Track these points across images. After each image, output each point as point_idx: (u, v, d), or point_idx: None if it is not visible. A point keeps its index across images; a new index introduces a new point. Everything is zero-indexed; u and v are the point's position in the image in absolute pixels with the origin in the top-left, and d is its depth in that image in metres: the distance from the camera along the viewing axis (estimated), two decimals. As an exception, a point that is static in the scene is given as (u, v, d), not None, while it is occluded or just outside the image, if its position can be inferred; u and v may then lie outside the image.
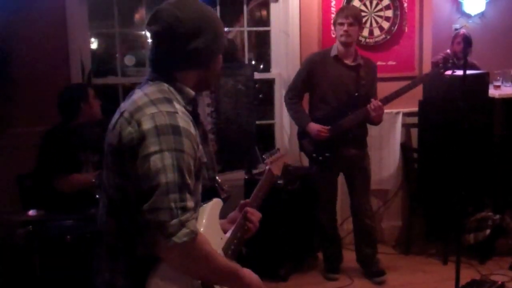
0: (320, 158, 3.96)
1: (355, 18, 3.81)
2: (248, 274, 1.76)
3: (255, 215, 1.98)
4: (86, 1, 4.26)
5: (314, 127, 3.91)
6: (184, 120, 1.58)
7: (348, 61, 3.92)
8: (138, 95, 1.65)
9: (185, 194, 1.52)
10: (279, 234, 4.10)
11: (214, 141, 4.34)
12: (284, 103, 4.20)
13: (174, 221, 1.48)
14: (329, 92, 3.92)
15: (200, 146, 1.68)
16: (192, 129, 1.61)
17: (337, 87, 3.91)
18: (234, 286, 1.74)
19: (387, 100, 3.85)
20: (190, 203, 1.53)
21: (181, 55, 1.66)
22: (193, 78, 1.72)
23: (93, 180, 3.18)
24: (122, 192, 1.60)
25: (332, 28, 4.15)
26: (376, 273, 4.09)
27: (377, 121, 3.94)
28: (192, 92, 1.71)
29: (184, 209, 1.51)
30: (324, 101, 3.95)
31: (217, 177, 3.39)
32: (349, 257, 4.27)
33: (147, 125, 1.54)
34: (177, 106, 1.62)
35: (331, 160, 3.95)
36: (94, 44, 4.77)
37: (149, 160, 1.52)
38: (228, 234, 1.91)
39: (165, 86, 1.66)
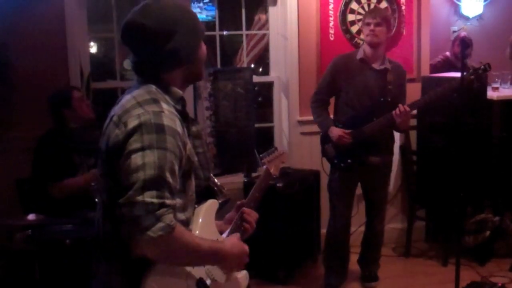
0: (342, 165, 3.81)
1: (383, 19, 3.69)
2: (231, 247, 1.77)
3: (252, 216, 1.99)
4: (85, 5, 4.27)
5: (335, 131, 3.76)
6: (169, 119, 1.59)
7: (375, 65, 3.78)
8: (126, 99, 1.67)
9: (164, 192, 1.52)
10: (278, 236, 4.10)
11: (213, 144, 4.34)
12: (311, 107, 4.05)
13: (149, 215, 1.48)
14: (354, 97, 3.79)
15: (189, 145, 1.70)
16: (179, 128, 1.62)
17: (362, 91, 3.77)
18: (221, 263, 1.77)
19: (414, 106, 3.70)
20: (169, 201, 1.53)
21: (161, 58, 1.67)
22: (180, 76, 1.73)
23: (92, 184, 3.19)
24: (113, 195, 1.60)
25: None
26: (370, 277, 4.06)
27: (402, 128, 3.80)
28: (180, 92, 1.72)
29: (162, 205, 1.51)
30: (348, 105, 3.81)
31: (216, 180, 3.39)
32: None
33: (131, 124, 1.56)
34: (164, 105, 1.63)
35: (354, 167, 3.81)
36: (93, 48, 4.78)
37: (130, 157, 1.53)
38: (225, 235, 1.91)
39: (153, 87, 1.67)
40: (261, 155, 2.20)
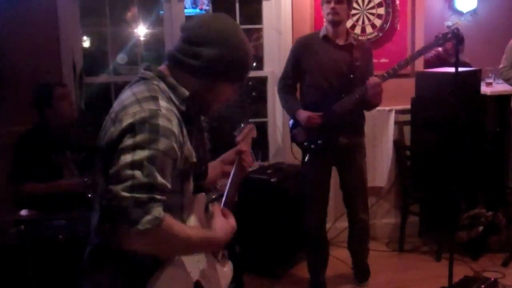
0: (312, 146, 3.66)
1: None
2: (221, 232, 1.77)
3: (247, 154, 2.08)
4: (77, 0, 4.24)
5: (303, 114, 3.62)
6: (165, 118, 1.57)
7: (339, 41, 3.63)
8: (126, 95, 1.65)
9: (153, 190, 1.50)
10: (273, 232, 4.10)
11: (207, 139, 4.32)
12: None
13: (137, 208, 1.47)
14: (319, 75, 3.62)
15: (188, 145, 1.68)
16: (175, 128, 1.60)
17: (328, 69, 3.61)
18: (212, 248, 1.81)
19: (385, 77, 3.53)
20: (159, 197, 1.51)
21: (187, 53, 1.68)
22: (190, 86, 1.70)
23: (85, 180, 3.17)
24: (106, 195, 1.58)
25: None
26: (360, 274, 4.03)
27: (374, 102, 3.61)
28: (186, 92, 1.69)
29: (150, 200, 1.49)
30: (315, 86, 3.65)
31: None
32: (341, 256, 4.25)
33: (126, 122, 1.55)
34: (163, 103, 1.61)
35: (324, 148, 3.64)
36: (86, 43, 4.75)
37: (120, 155, 1.52)
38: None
39: (155, 84, 1.66)
40: (234, 133, 2.19)
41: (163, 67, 1.73)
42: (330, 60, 3.62)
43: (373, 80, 3.49)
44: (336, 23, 3.59)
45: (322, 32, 3.68)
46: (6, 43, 3.96)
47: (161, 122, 1.55)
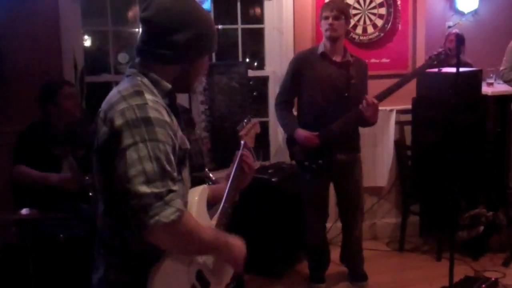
0: (314, 166, 3.71)
1: (341, 12, 3.60)
2: (234, 242, 1.78)
3: (248, 156, 2.05)
4: (79, -1, 4.25)
5: (302, 134, 3.67)
6: (155, 110, 1.59)
7: (336, 58, 3.69)
8: (112, 93, 1.68)
9: (167, 181, 1.53)
10: (274, 231, 4.11)
11: (208, 139, 4.33)
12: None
13: (159, 202, 1.49)
14: (317, 93, 3.68)
15: (180, 133, 1.70)
16: (166, 117, 1.62)
17: (325, 86, 3.66)
18: (222, 255, 1.78)
19: (380, 97, 3.57)
20: (174, 187, 1.54)
21: (161, 45, 1.67)
22: (171, 74, 1.72)
23: (87, 178, 3.17)
24: (109, 191, 1.61)
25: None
26: (358, 276, 4.02)
27: (372, 121, 3.66)
28: (169, 85, 1.70)
29: (168, 192, 1.51)
30: (312, 104, 3.71)
31: (211, 175, 3.38)
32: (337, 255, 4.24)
33: (118, 121, 1.56)
34: (149, 96, 1.62)
35: (324, 167, 3.71)
36: (87, 42, 4.75)
37: (125, 154, 1.52)
38: (214, 222, 1.91)
39: (138, 79, 1.67)
40: (237, 128, 2.16)
41: (141, 63, 1.72)
42: (327, 77, 3.68)
43: (368, 102, 3.51)
44: (334, 39, 3.64)
45: (320, 49, 3.74)
46: (7, 43, 3.96)
47: (152, 114, 1.57)
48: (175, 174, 1.58)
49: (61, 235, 2.94)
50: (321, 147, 3.66)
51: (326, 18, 3.61)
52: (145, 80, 1.67)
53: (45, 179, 3.22)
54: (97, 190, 1.70)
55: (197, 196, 1.85)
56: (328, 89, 3.67)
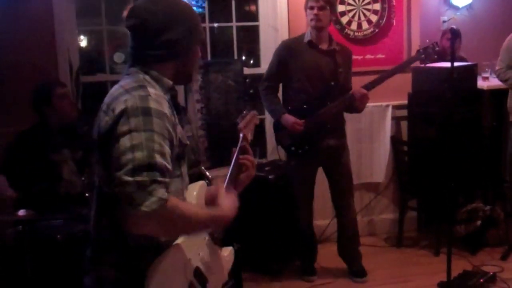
0: (300, 151, 3.80)
1: (326, 2, 3.65)
2: (228, 210, 1.79)
3: (249, 153, 2.04)
4: (73, -1, 4.24)
5: (289, 119, 3.74)
6: (156, 102, 1.62)
7: (322, 46, 3.76)
8: (114, 88, 1.72)
9: (154, 172, 1.53)
10: (270, 229, 4.11)
11: (205, 137, 4.33)
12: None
13: (141, 192, 1.50)
14: (304, 80, 3.75)
15: (180, 128, 1.73)
16: (167, 110, 1.65)
17: (313, 74, 3.74)
18: (219, 225, 1.80)
19: (369, 87, 3.69)
20: (160, 178, 1.54)
21: (155, 47, 1.73)
22: (170, 70, 1.77)
23: (83, 179, 3.16)
24: (109, 182, 1.61)
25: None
26: (358, 272, 4.02)
27: (361, 109, 3.82)
28: (170, 82, 1.76)
29: (153, 182, 1.52)
30: (299, 91, 3.78)
31: (207, 173, 3.38)
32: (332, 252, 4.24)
33: (118, 108, 1.60)
34: (151, 90, 1.66)
35: (311, 152, 3.80)
36: (82, 42, 4.74)
37: (118, 141, 1.56)
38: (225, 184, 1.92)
39: (141, 76, 1.72)
40: (237, 120, 2.17)
41: (139, 64, 1.75)
42: (314, 66, 3.76)
43: (360, 92, 3.64)
44: (319, 29, 3.71)
45: (306, 37, 3.79)
46: (1, 43, 3.95)
47: (152, 105, 1.60)
48: (168, 166, 1.58)
49: (59, 236, 2.93)
50: (308, 132, 3.74)
51: (311, 8, 3.67)
52: (147, 77, 1.72)
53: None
54: (95, 187, 1.71)
55: (195, 191, 1.85)
56: (315, 77, 3.76)
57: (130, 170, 1.51)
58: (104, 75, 4.51)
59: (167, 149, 1.60)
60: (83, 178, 3.16)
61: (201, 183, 1.90)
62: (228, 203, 1.81)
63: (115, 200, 1.54)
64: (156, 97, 1.64)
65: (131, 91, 1.64)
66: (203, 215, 1.70)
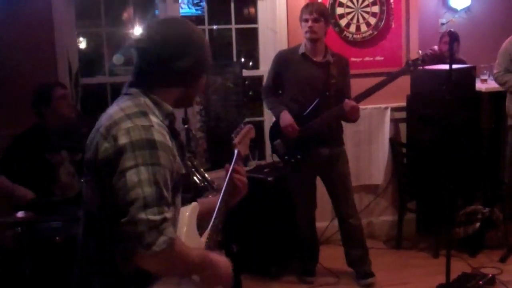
0: (292, 160, 3.82)
1: (320, 14, 3.66)
2: (219, 261, 1.78)
3: (241, 172, 2.00)
4: (73, 0, 4.24)
5: (286, 118, 3.76)
6: (159, 133, 1.60)
7: (316, 58, 3.78)
8: (114, 110, 1.66)
9: (163, 207, 1.53)
10: (270, 231, 4.10)
11: (204, 139, 4.33)
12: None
13: (152, 231, 1.50)
14: (298, 91, 3.81)
15: (178, 158, 1.69)
16: (169, 142, 1.63)
17: (305, 85, 3.79)
18: (209, 274, 1.75)
19: (359, 99, 3.71)
20: (168, 214, 1.54)
21: (164, 73, 1.69)
22: (173, 95, 1.74)
23: (82, 180, 3.15)
24: (101, 207, 1.61)
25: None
26: (364, 274, 4.01)
27: (352, 121, 3.84)
28: (170, 108, 1.72)
29: (163, 220, 1.52)
30: (293, 100, 3.83)
31: (206, 175, 3.38)
32: (336, 254, 4.24)
33: (122, 140, 1.56)
34: (153, 119, 1.63)
35: (304, 161, 3.80)
36: (81, 44, 4.75)
37: (125, 175, 1.53)
38: (204, 239, 1.87)
39: (141, 100, 1.67)
40: (232, 135, 2.11)
41: (141, 85, 1.71)
42: (307, 77, 3.78)
43: (349, 104, 3.64)
44: (314, 41, 3.74)
45: (301, 49, 3.82)
46: (0, 45, 3.95)
47: (157, 137, 1.58)
48: (169, 198, 1.58)
49: (57, 237, 2.93)
50: (302, 141, 3.76)
51: (306, 20, 3.69)
52: (147, 101, 1.68)
53: (12, 192, 3.19)
54: (83, 205, 1.69)
55: (187, 213, 1.83)
56: (309, 89, 3.80)
57: (142, 207, 1.50)
58: (104, 77, 4.51)
59: (169, 182, 1.60)
60: (82, 180, 3.15)
61: (192, 205, 1.87)
62: (224, 259, 1.81)
63: (123, 236, 1.53)
64: (159, 127, 1.61)
65: (132, 117, 1.60)
66: (198, 258, 1.69)
